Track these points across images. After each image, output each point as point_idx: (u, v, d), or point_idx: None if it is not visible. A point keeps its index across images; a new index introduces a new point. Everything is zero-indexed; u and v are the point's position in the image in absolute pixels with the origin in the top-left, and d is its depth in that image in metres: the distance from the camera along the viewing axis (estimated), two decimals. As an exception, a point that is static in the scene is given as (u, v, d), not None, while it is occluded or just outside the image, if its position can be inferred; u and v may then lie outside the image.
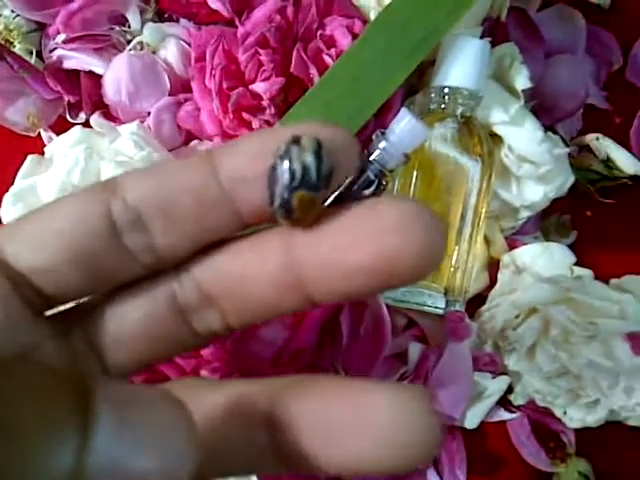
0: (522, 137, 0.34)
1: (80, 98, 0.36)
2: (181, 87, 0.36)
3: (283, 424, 0.15)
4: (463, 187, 0.33)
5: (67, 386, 0.11)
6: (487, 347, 0.37)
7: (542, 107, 0.37)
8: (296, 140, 0.15)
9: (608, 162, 0.38)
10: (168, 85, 0.35)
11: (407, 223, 0.14)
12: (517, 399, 0.37)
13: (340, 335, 0.33)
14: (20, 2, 0.35)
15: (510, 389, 0.37)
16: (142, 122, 0.35)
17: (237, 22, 0.34)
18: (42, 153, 0.34)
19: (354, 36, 0.32)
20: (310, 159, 0.14)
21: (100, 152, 0.32)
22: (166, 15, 0.37)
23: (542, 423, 0.37)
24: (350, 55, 0.31)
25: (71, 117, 0.37)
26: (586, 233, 0.39)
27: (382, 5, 0.33)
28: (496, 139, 0.35)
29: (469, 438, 0.37)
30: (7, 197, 0.32)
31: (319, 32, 0.33)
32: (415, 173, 0.33)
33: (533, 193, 0.35)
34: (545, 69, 0.37)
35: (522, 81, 0.34)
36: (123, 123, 0.35)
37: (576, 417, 0.36)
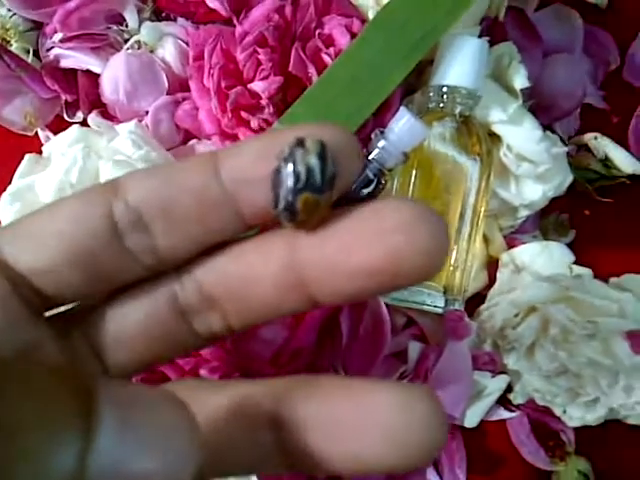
0: (521, 136, 0.34)
1: (77, 97, 0.36)
2: (179, 86, 0.36)
3: (289, 425, 0.15)
4: (462, 186, 0.33)
5: (69, 386, 0.11)
6: (486, 346, 0.37)
7: (540, 106, 0.37)
8: (300, 142, 0.15)
9: (606, 161, 0.38)
10: (166, 84, 0.35)
11: (412, 224, 0.14)
12: (516, 398, 0.37)
13: (340, 334, 0.32)
14: (17, 1, 0.35)
15: (509, 388, 0.37)
16: (140, 121, 0.34)
17: (235, 21, 0.33)
18: (39, 152, 0.34)
19: (352, 35, 0.32)
20: (314, 161, 0.14)
21: (98, 151, 0.32)
22: (163, 14, 0.36)
23: (542, 422, 0.37)
24: (349, 54, 0.31)
25: (68, 116, 0.36)
26: (585, 232, 0.39)
27: (380, 4, 0.33)
28: (495, 138, 0.35)
29: (469, 437, 0.37)
30: (5, 196, 0.32)
31: (317, 31, 0.33)
32: (414, 172, 0.33)
33: (532, 192, 0.35)
34: (543, 68, 0.37)
35: (520, 80, 0.34)
36: (120, 122, 0.35)
37: (575, 416, 0.36)
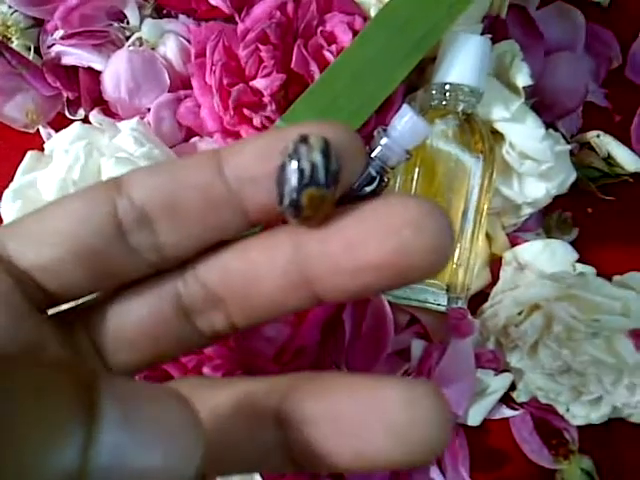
0: (523, 134, 0.34)
1: (79, 94, 0.36)
2: (181, 83, 0.35)
3: (292, 422, 0.15)
4: (465, 184, 0.33)
5: (70, 381, 0.11)
6: (489, 344, 0.37)
7: (542, 104, 0.37)
8: (304, 139, 0.15)
9: (609, 159, 0.38)
10: (168, 81, 0.35)
11: (419, 220, 0.14)
12: (520, 396, 0.37)
13: (342, 332, 0.32)
14: (18, -2, 0.34)
15: (513, 386, 0.37)
16: (142, 119, 0.34)
17: (237, 18, 0.33)
18: (41, 150, 0.34)
19: (355, 33, 0.32)
20: (319, 158, 0.14)
21: (100, 148, 0.32)
22: (165, 11, 0.36)
23: (545, 420, 0.37)
24: (351, 52, 0.31)
25: (70, 113, 0.36)
26: (588, 230, 0.39)
27: (382, 2, 0.33)
28: (497, 136, 0.35)
29: (472, 435, 0.37)
30: (7, 194, 0.32)
31: (319, 28, 0.33)
32: (416, 170, 0.33)
33: (535, 190, 0.35)
34: (545, 66, 0.37)
35: (523, 78, 0.34)
36: (122, 120, 0.34)
37: (579, 414, 0.36)
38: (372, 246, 0.15)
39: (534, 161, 0.34)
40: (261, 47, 0.32)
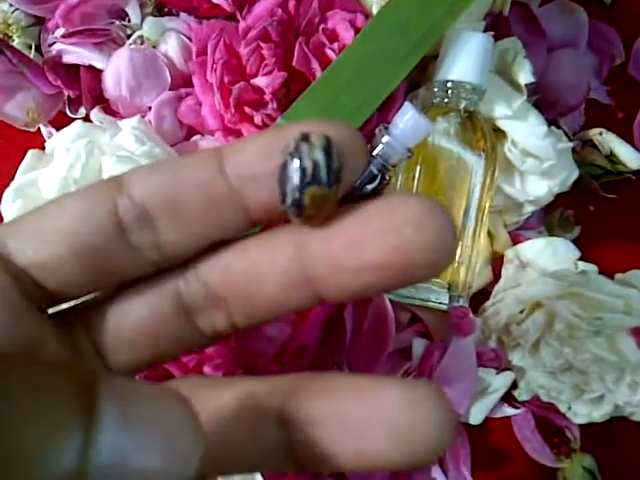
0: (526, 132, 0.33)
1: (80, 93, 0.36)
2: (182, 81, 0.35)
3: (293, 422, 0.15)
4: (466, 182, 0.33)
5: (70, 381, 0.11)
6: (491, 342, 0.37)
7: (545, 101, 0.37)
8: (305, 137, 0.15)
9: (611, 157, 0.38)
10: (169, 80, 0.35)
11: (421, 219, 0.14)
12: (521, 395, 0.37)
13: (344, 331, 0.32)
14: (19, -4, 0.34)
15: (514, 385, 0.37)
16: (143, 117, 0.34)
17: (238, 16, 0.33)
18: (42, 148, 0.34)
19: (356, 30, 0.32)
20: (320, 156, 0.14)
21: (101, 147, 0.31)
22: (166, 9, 0.36)
23: (547, 419, 0.37)
24: (353, 49, 0.31)
25: (71, 112, 0.36)
26: (590, 228, 0.39)
27: (384, -1, 0.33)
28: (499, 134, 0.35)
29: (473, 434, 0.37)
30: (8, 192, 0.32)
31: (321, 26, 0.33)
32: (418, 168, 0.33)
33: (537, 188, 0.35)
34: (547, 64, 0.37)
35: (525, 75, 0.34)
36: (123, 118, 0.34)
37: (581, 412, 0.36)
38: (373, 245, 0.15)
39: (536, 159, 0.34)
40: (262, 45, 0.32)
